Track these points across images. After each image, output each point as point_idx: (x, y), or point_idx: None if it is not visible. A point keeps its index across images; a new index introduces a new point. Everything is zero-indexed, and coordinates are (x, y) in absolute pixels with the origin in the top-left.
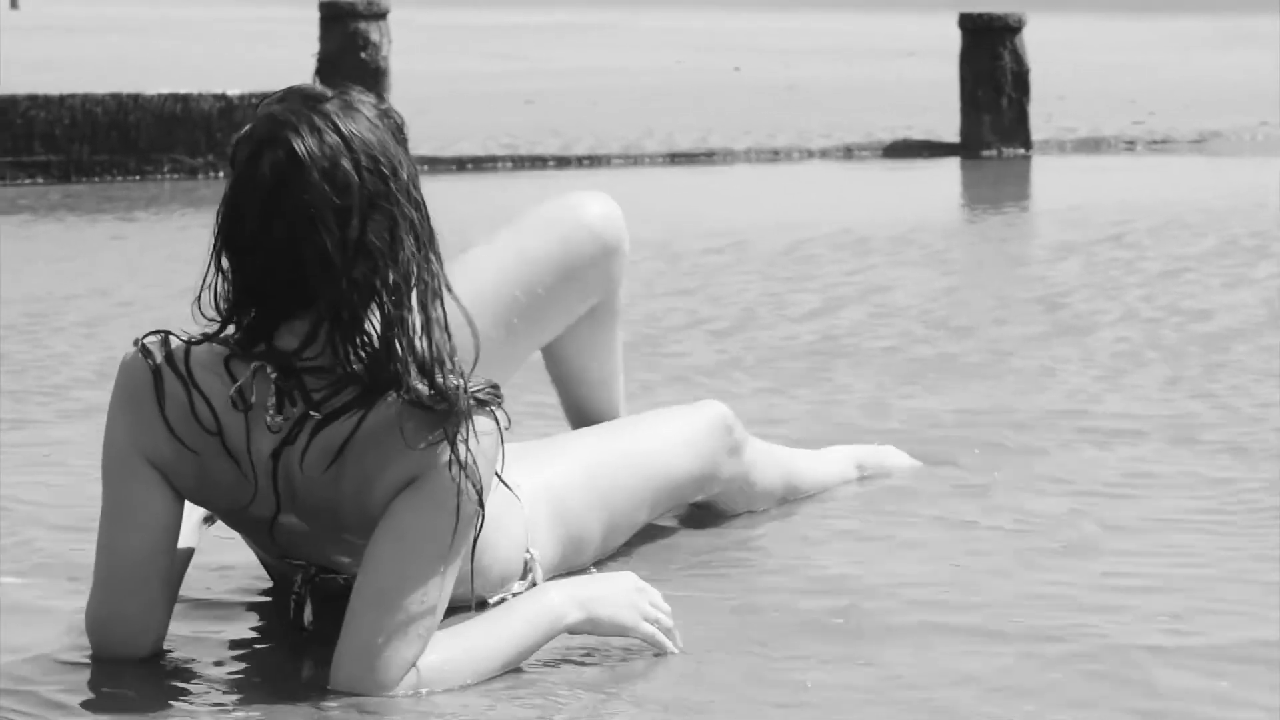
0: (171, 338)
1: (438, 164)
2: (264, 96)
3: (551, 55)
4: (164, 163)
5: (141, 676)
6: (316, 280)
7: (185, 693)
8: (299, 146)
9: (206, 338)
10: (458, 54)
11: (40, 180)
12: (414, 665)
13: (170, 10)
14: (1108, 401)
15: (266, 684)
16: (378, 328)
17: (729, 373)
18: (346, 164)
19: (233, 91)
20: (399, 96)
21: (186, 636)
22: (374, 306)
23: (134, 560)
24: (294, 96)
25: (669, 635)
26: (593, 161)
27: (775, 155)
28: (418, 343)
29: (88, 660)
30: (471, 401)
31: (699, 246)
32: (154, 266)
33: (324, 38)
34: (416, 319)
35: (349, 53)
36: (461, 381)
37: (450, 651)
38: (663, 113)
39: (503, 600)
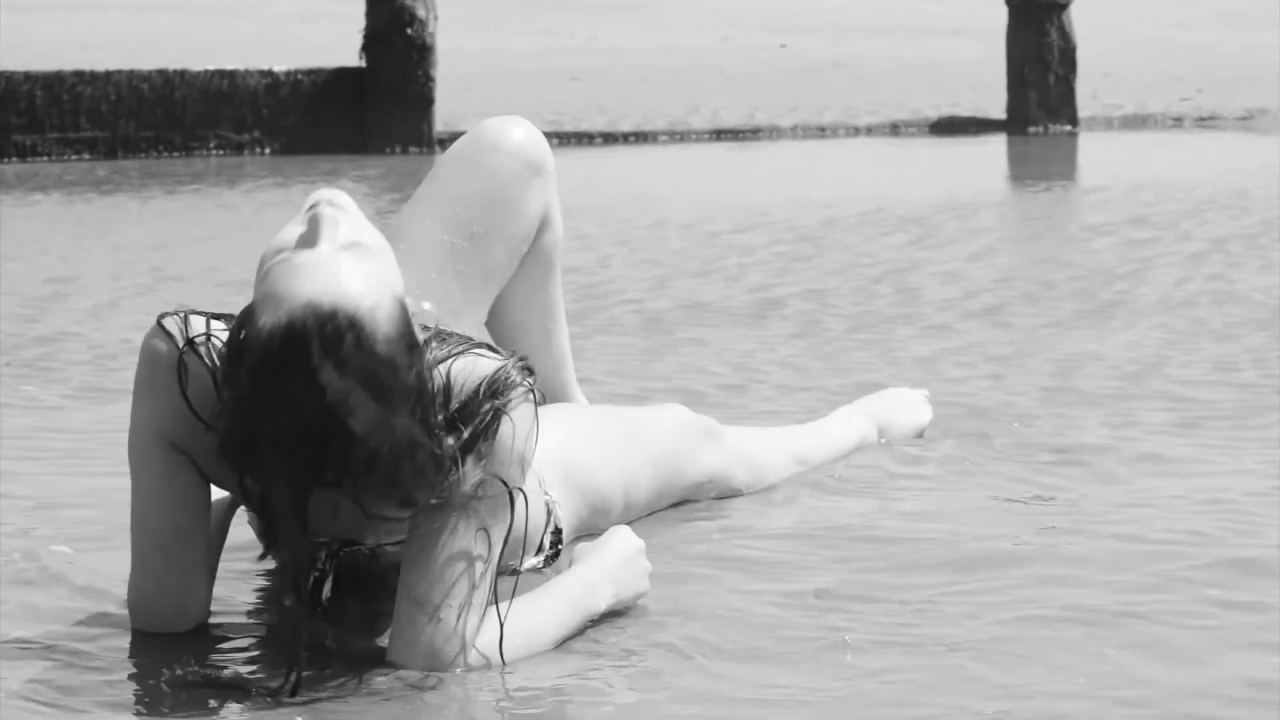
0: (192, 316)
1: None
2: (310, 73)
3: (598, 32)
4: (210, 139)
5: (190, 649)
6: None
7: (236, 664)
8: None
9: (229, 318)
10: (504, 30)
11: (87, 156)
12: (473, 636)
13: None
14: (1145, 382)
15: (323, 656)
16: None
17: (761, 352)
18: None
19: (279, 68)
20: (445, 73)
21: (219, 611)
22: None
23: (167, 541)
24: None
25: None
26: (639, 138)
27: (822, 132)
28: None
29: (136, 630)
30: (515, 372)
31: (732, 224)
32: (193, 241)
33: (370, 14)
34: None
35: (395, 29)
36: (511, 362)
37: (498, 637)
38: (709, 90)
39: (533, 569)
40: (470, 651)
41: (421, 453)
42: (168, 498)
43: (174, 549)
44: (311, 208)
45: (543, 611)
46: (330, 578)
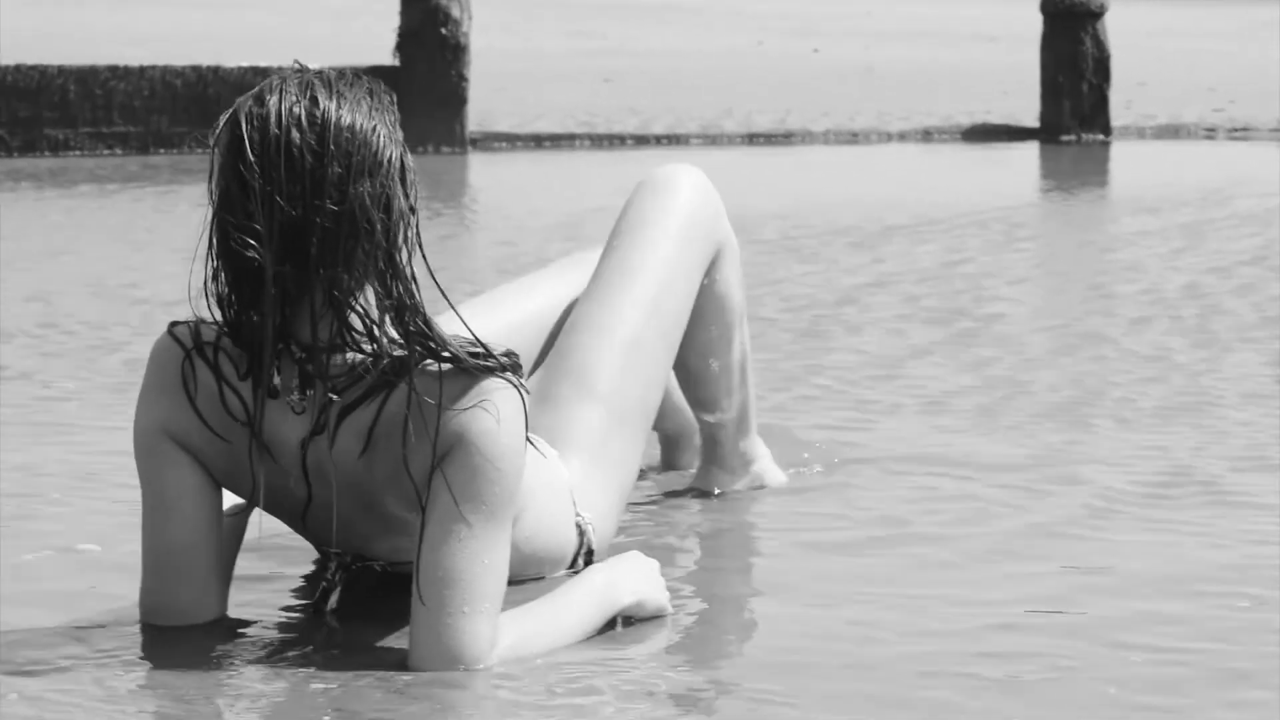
0: (203, 326)
1: (516, 141)
2: (342, 72)
3: (632, 34)
4: None
5: (214, 648)
6: (303, 247)
7: (257, 664)
8: (285, 112)
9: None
10: (538, 31)
11: (119, 151)
12: (493, 636)
13: None
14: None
15: (339, 658)
16: (372, 307)
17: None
18: (334, 134)
19: (312, 66)
20: (478, 73)
21: (239, 612)
22: (367, 285)
23: (179, 548)
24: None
25: None
26: (671, 141)
27: (854, 137)
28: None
29: (161, 627)
30: (496, 364)
31: (768, 230)
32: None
33: (405, 13)
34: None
35: (429, 28)
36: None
37: (524, 633)
38: (742, 93)
39: (566, 575)
40: (493, 651)
41: (375, 235)
42: (178, 503)
43: (185, 557)
44: None
45: (565, 608)
46: (338, 590)
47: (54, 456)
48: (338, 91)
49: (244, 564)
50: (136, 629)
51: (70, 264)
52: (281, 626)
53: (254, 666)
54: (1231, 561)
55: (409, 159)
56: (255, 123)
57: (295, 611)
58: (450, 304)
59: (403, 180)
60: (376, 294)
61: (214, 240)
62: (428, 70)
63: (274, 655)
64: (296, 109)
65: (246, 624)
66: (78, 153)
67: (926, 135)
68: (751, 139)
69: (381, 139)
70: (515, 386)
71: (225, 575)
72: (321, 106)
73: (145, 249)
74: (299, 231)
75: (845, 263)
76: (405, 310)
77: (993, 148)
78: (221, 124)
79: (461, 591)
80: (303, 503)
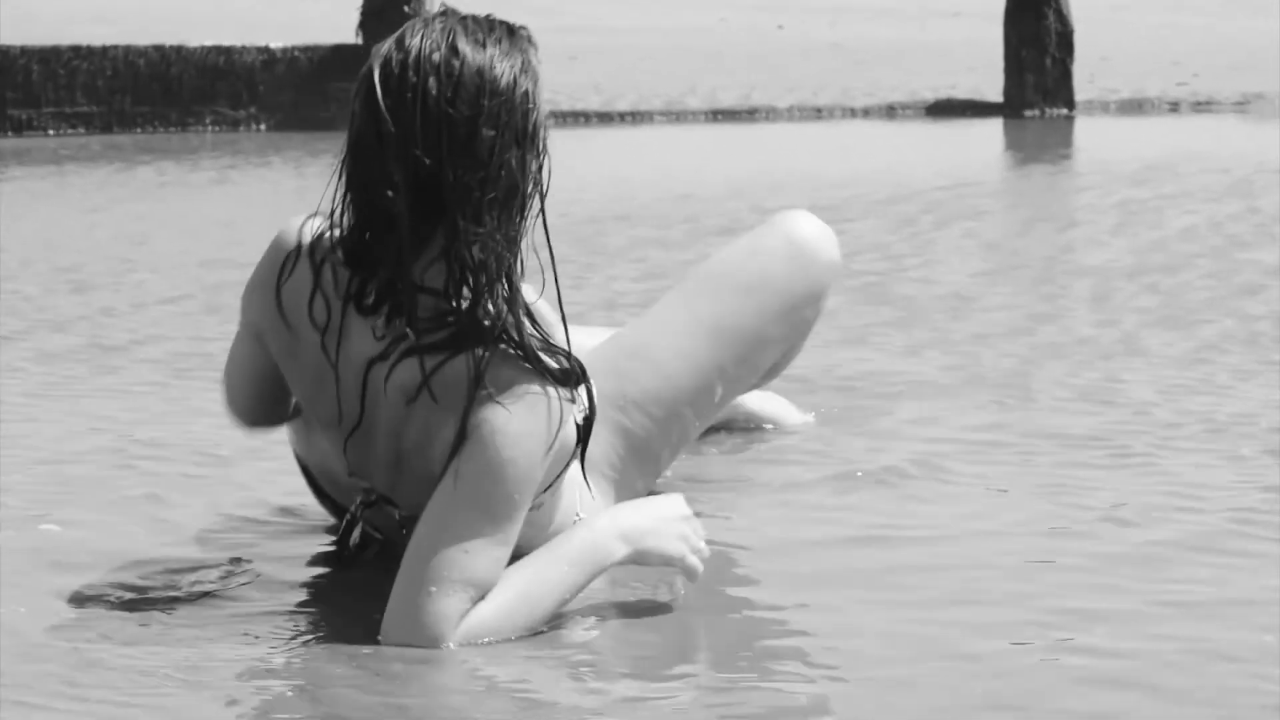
0: (334, 230)
1: None
2: (306, 50)
3: (596, 12)
4: (205, 114)
5: (184, 621)
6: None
7: (229, 634)
8: (427, 57)
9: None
10: (503, 8)
11: (82, 131)
12: (459, 618)
13: None
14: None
15: (310, 629)
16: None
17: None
18: (475, 83)
19: (275, 44)
20: None
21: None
22: (482, 249)
23: (245, 390)
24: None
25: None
26: (635, 118)
27: (818, 113)
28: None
29: (127, 605)
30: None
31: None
32: (183, 218)
33: None
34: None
35: (393, 7)
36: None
37: (502, 600)
38: (706, 70)
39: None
40: (461, 628)
41: (504, 183)
42: (246, 362)
43: (252, 394)
44: None
45: (538, 581)
46: (360, 527)
47: (5, 437)
48: (481, 43)
49: (217, 545)
50: (96, 607)
51: (16, 244)
52: (258, 602)
53: (224, 641)
54: (1197, 555)
55: (542, 117)
56: (394, 69)
57: (272, 592)
58: (554, 268)
59: (533, 140)
60: (484, 249)
61: (345, 177)
62: None
63: (246, 630)
64: (436, 56)
65: (220, 600)
66: (41, 133)
67: (891, 111)
68: (715, 115)
69: (520, 98)
70: (556, 399)
71: (285, 408)
72: (461, 57)
73: (94, 229)
74: (431, 182)
75: None
76: (503, 269)
77: (956, 123)
78: (364, 68)
79: (434, 572)
80: (353, 422)
